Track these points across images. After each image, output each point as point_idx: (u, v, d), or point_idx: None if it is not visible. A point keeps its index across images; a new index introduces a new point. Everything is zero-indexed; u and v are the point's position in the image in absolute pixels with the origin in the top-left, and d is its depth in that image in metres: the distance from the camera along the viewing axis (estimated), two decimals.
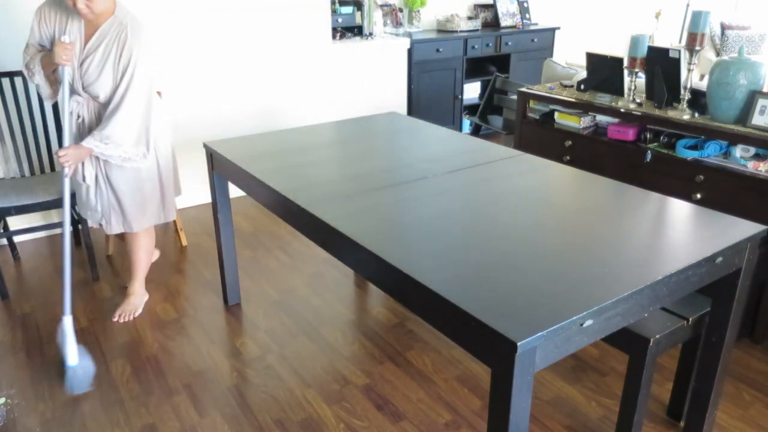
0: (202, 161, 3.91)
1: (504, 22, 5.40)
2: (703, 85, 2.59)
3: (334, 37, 4.55)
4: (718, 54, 6.14)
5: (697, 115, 2.54)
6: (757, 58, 2.55)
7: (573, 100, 2.94)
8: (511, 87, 4.14)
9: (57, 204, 2.90)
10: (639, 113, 2.66)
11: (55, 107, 3.17)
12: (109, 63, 2.37)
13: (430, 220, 1.78)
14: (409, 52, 4.77)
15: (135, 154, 2.48)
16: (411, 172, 2.19)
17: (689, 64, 2.57)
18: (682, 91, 2.61)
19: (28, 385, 2.34)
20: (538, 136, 3.14)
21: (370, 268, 1.67)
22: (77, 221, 3.04)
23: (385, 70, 4.70)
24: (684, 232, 1.68)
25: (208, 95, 3.94)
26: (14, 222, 3.41)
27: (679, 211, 1.83)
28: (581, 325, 1.33)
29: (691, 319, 1.84)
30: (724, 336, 1.80)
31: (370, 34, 4.75)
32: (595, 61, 2.95)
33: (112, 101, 2.40)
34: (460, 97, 5.14)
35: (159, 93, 3.13)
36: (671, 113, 2.60)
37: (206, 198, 4.08)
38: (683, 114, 2.56)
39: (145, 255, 2.78)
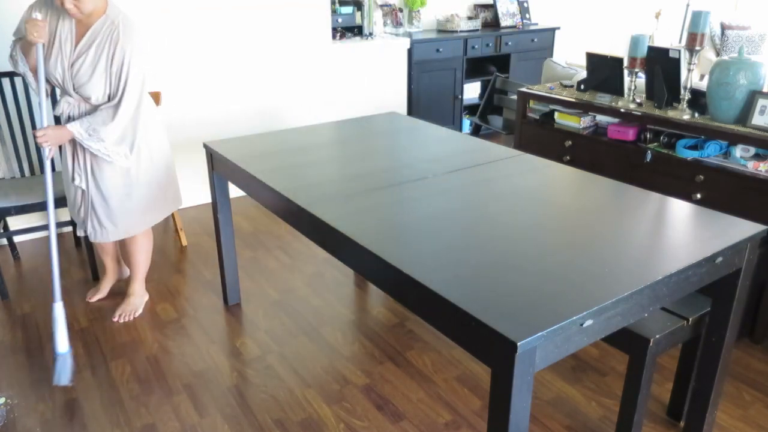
0: (202, 161, 3.91)
1: (504, 22, 5.40)
2: (703, 85, 2.59)
3: (334, 37, 4.55)
4: (718, 54, 6.14)
5: (697, 115, 2.54)
6: (757, 58, 2.55)
7: (573, 100, 2.94)
8: (511, 87, 4.14)
9: (57, 204, 2.89)
10: (639, 113, 2.66)
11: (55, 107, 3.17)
12: (101, 64, 2.33)
13: (430, 220, 1.78)
14: (409, 52, 4.77)
15: (115, 153, 2.42)
16: (411, 172, 2.18)
17: (689, 64, 2.57)
18: (682, 91, 2.61)
19: (28, 385, 2.34)
20: (538, 136, 3.14)
21: (370, 268, 1.67)
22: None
23: (385, 70, 4.70)
24: (684, 232, 1.68)
25: (208, 95, 3.94)
26: (14, 222, 3.41)
27: (679, 211, 1.83)
28: (581, 325, 1.33)
29: (691, 319, 1.84)
30: (724, 336, 1.80)
31: (370, 34, 4.75)
32: (595, 61, 2.95)
33: (109, 102, 2.37)
34: (460, 97, 5.14)
35: (159, 93, 3.13)
36: (671, 113, 2.60)
37: (206, 198, 4.08)
38: (683, 114, 2.56)
39: (143, 256, 2.78)
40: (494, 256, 1.56)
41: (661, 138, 2.64)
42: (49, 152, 2.36)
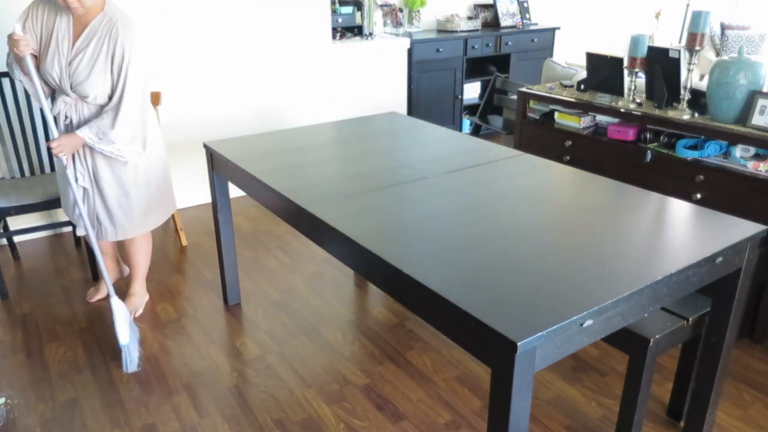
0: (202, 161, 3.91)
1: (504, 22, 5.40)
2: (703, 85, 2.59)
3: (334, 37, 4.55)
4: (718, 54, 6.14)
5: (697, 115, 2.54)
6: (757, 58, 2.55)
7: (573, 100, 2.94)
8: (511, 87, 4.14)
9: (57, 204, 2.90)
10: (639, 113, 2.66)
11: None
12: (100, 61, 2.31)
13: (430, 220, 1.78)
14: (409, 52, 4.77)
15: (129, 152, 2.42)
16: (411, 172, 2.19)
17: (689, 64, 2.57)
18: (682, 91, 2.61)
19: (28, 385, 2.34)
20: (538, 136, 3.14)
21: (371, 268, 1.67)
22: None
23: (385, 70, 4.70)
24: (684, 232, 1.68)
25: (208, 95, 3.93)
26: (14, 222, 3.41)
27: (679, 211, 1.83)
28: (581, 325, 1.33)
29: (691, 319, 1.84)
30: (724, 336, 1.80)
31: (370, 34, 4.75)
32: (595, 61, 2.95)
33: (111, 100, 2.36)
34: (460, 97, 5.14)
35: (159, 93, 3.13)
36: (671, 113, 2.60)
37: (206, 198, 4.08)
38: (683, 114, 2.56)
39: (143, 257, 2.77)
40: (494, 256, 1.56)
41: (661, 138, 2.64)
42: (66, 161, 2.38)
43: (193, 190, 4.04)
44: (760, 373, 2.34)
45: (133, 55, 2.33)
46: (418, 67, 4.83)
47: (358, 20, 4.71)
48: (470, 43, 5.02)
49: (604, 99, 2.88)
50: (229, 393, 2.29)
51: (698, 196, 2.47)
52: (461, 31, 5.07)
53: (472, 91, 5.45)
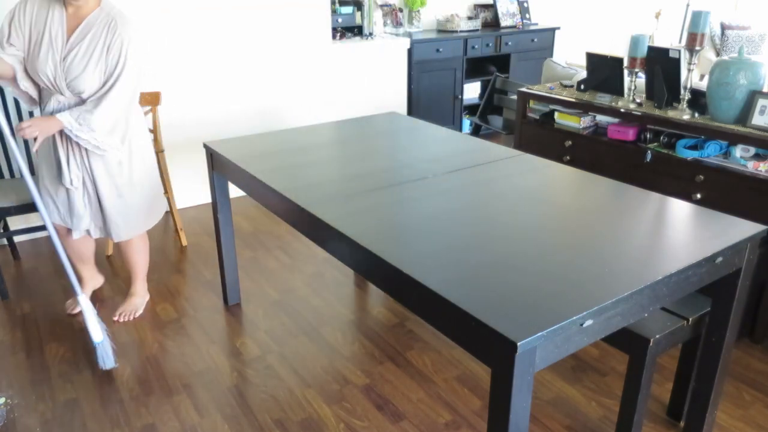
0: (202, 161, 3.91)
1: (504, 22, 5.40)
2: (703, 85, 2.59)
3: (334, 37, 4.55)
4: (718, 54, 6.14)
5: (697, 115, 2.54)
6: (757, 58, 2.55)
7: (573, 100, 2.94)
8: (511, 87, 4.14)
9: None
10: (639, 113, 2.66)
11: None
12: (95, 55, 2.28)
13: (430, 220, 1.78)
14: (409, 52, 4.77)
15: (106, 144, 2.37)
16: (411, 172, 2.19)
17: (689, 64, 2.57)
18: (682, 91, 2.61)
19: (28, 385, 2.34)
20: (538, 136, 3.14)
21: (370, 268, 1.67)
22: None
23: (385, 70, 4.70)
24: (684, 232, 1.68)
25: (208, 95, 3.93)
26: (14, 222, 3.41)
27: (679, 211, 1.83)
28: (581, 325, 1.33)
29: (691, 319, 1.84)
30: (724, 336, 1.80)
31: (370, 34, 4.75)
32: (595, 61, 2.95)
33: (100, 90, 2.33)
34: (460, 97, 5.14)
35: (159, 93, 3.13)
36: (671, 113, 2.60)
37: (206, 198, 4.08)
38: (683, 114, 2.56)
39: (141, 257, 2.77)
40: (494, 256, 1.56)
41: (661, 138, 2.64)
42: (37, 143, 2.29)
43: (193, 190, 4.04)
44: (760, 373, 2.34)
45: (130, 51, 2.32)
46: (418, 67, 4.83)
47: (358, 20, 4.71)
48: (470, 43, 5.02)
49: (604, 99, 2.88)
50: (229, 393, 2.29)
51: (698, 196, 2.47)
52: (461, 31, 5.07)
53: (472, 91, 5.45)
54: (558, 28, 5.53)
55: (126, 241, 2.67)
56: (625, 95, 2.85)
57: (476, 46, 5.06)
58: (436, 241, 1.65)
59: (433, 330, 2.65)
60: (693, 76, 2.59)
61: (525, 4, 5.54)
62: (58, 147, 2.40)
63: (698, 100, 2.58)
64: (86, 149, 2.39)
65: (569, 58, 5.60)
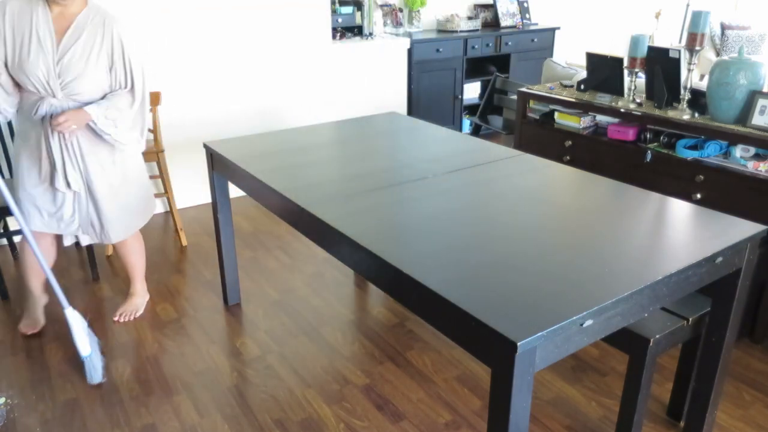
0: (202, 161, 3.91)
1: (504, 22, 5.40)
2: (703, 85, 2.59)
3: (334, 37, 4.55)
4: (718, 54, 6.14)
5: (697, 115, 2.54)
6: (757, 58, 2.55)
7: (573, 100, 2.94)
8: (511, 87, 4.14)
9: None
10: (639, 113, 2.66)
11: None
12: (93, 55, 2.26)
13: (430, 220, 1.78)
14: (409, 52, 4.77)
15: (128, 138, 2.40)
16: (411, 172, 2.19)
17: (689, 64, 2.57)
18: (682, 91, 2.61)
19: (28, 385, 2.34)
20: (538, 136, 3.14)
21: (371, 268, 1.67)
22: None
23: (385, 70, 4.70)
24: (684, 232, 1.68)
25: (208, 95, 3.93)
26: (14, 222, 3.40)
27: (679, 211, 1.83)
28: (581, 325, 1.33)
29: (691, 319, 1.84)
30: (724, 336, 1.80)
31: (370, 34, 4.75)
32: (595, 61, 2.95)
33: (120, 88, 2.35)
34: (460, 97, 5.14)
35: (159, 93, 3.13)
36: (671, 113, 2.60)
37: (206, 198, 4.08)
38: (683, 114, 2.56)
39: (138, 257, 2.76)
40: (494, 256, 1.56)
41: (661, 138, 2.64)
42: (70, 136, 2.29)
43: (193, 190, 4.04)
44: (760, 373, 2.34)
45: (132, 46, 2.34)
46: (418, 67, 4.83)
47: (358, 20, 4.71)
48: (470, 43, 5.02)
49: (604, 99, 2.88)
50: (229, 393, 2.29)
51: (698, 196, 2.47)
52: (461, 31, 5.07)
53: (472, 91, 5.45)
54: (558, 28, 5.53)
55: (121, 242, 2.66)
56: (625, 95, 2.85)
57: (476, 46, 5.06)
58: (436, 241, 1.65)
59: (433, 330, 2.65)
60: (693, 76, 2.59)
61: (525, 4, 5.54)
62: (53, 149, 2.32)
63: (698, 100, 2.58)
64: (81, 150, 2.36)
65: (569, 58, 5.60)
